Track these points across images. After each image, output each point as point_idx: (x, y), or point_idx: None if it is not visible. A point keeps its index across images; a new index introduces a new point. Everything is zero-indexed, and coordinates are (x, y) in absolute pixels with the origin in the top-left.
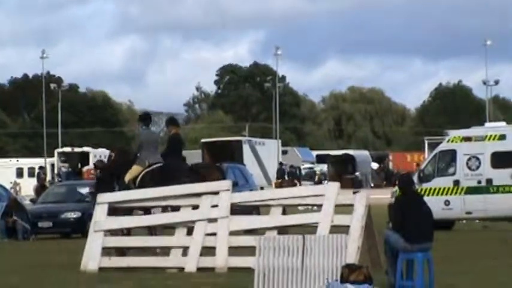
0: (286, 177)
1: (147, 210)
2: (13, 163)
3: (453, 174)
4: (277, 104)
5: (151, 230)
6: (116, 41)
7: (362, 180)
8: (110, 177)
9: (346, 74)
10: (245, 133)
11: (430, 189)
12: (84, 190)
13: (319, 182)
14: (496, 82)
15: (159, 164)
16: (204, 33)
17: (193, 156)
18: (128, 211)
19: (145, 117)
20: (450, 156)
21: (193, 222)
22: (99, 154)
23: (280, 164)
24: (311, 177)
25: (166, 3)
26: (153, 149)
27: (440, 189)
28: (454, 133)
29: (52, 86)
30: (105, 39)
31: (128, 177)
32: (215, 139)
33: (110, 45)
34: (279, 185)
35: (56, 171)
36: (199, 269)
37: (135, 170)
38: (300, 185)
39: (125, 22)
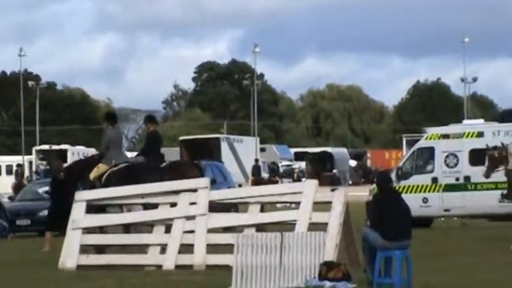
0: (266, 175)
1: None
2: None
3: (431, 171)
4: (255, 102)
5: (127, 228)
6: (94, 38)
7: (340, 177)
8: (74, 177)
9: (325, 71)
10: (223, 130)
11: (408, 186)
12: (42, 189)
13: (298, 180)
14: (474, 79)
15: (125, 164)
16: (182, 31)
17: (171, 154)
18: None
19: (111, 116)
20: (428, 154)
21: (172, 219)
22: (77, 152)
23: (256, 160)
24: (289, 174)
25: (145, 1)
26: (119, 148)
27: (418, 186)
28: (432, 130)
29: (30, 83)
30: (83, 37)
31: (93, 175)
32: (193, 137)
33: (88, 43)
34: (254, 182)
35: (34, 169)
36: (177, 267)
37: (101, 168)
38: (281, 182)
39: (103, 20)
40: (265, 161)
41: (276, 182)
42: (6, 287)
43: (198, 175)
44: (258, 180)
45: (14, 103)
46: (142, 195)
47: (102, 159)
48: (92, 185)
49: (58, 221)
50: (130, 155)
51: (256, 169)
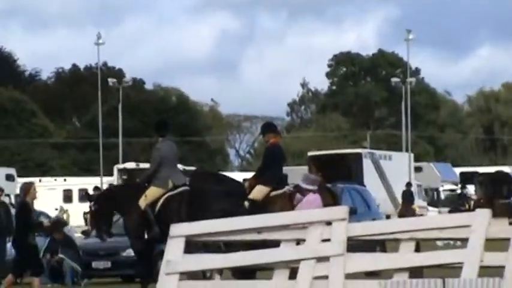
0: (424, 202)
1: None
2: (59, 183)
3: None
4: (408, 106)
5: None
6: (198, 20)
7: None
8: (107, 207)
9: (501, 65)
10: (366, 143)
11: None
12: None
13: (473, 209)
14: None
15: (186, 188)
16: (314, 11)
17: (297, 174)
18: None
19: (160, 126)
20: None
21: (298, 261)
22: None
23: (408, 185)
24: (452, 202)
25: None
26: (176, 167)
27: None
28: None
29: (110, 81)
30: (182, 18)
31: (144, 202)
32: (326, 152)
33: (189, 27)
34: (401, 213)
35: None
36: None
37: (153, 193)
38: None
39: None
40: (421, 185)
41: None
42: None
43: (331, 203)
44: (405, 211)
45: (88, 107)
46: (259, 230)
47: (151, 181)
48: (143, 215)
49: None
50: (244, 175)
51: (407, 196)
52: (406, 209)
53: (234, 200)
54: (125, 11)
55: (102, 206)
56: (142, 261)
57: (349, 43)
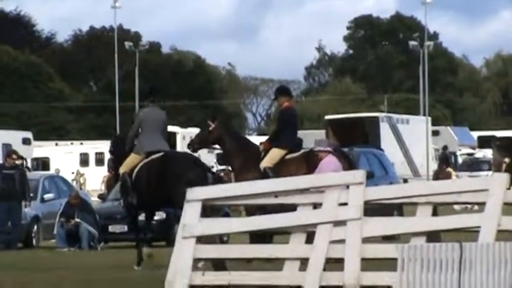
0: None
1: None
2: (76, 147)
3: None
4: (425, 69)
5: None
6: None
7: None
8: (121, 150)
9: None
10: (383, 107)
11: None
12: None
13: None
14: None
15: (159, 154)
16: None
17: (313, 138)
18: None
19: (150, 92)
20: None
21: (315, 225)
22: (189, 135)
23: (444, 147)
24: (469, 166)
25: None
26: (156, 133)
27: None
28: None
29: (127, 44)
30: None
31: (123, 169)
32: (343, 115)
33: None
34: (435, 176)
35: None
36: None
37: (132, 160)
38: None
39: None
40: (439, 149)
41: None
42: None
43: (347, 167)
44: (439, 174)
45: (105, 71)
46: (276, 194)
47: (133, 147)
48: (123, 182)
49: None
50: (261, 139)
51: (443, 159)
52: (441, 171)
53: (202, 169)
54: None
55: (117, 148)
56: (130, 225)
57: (367, 7)
